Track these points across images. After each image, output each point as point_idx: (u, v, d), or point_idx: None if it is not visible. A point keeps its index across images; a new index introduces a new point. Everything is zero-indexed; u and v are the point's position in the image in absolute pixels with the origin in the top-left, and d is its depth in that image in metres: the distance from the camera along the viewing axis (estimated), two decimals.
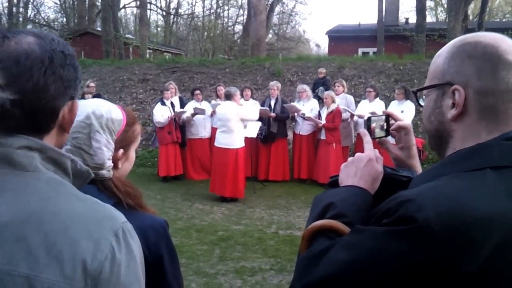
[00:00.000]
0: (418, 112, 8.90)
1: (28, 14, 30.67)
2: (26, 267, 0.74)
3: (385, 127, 1.24)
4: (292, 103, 8.92)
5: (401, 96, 8.18)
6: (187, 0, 51.24)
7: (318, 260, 0.88)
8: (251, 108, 7.83)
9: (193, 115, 8.78)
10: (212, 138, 8.55)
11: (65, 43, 0.90)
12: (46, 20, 32.88)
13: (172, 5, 35.79)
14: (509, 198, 0.81)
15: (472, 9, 28.08)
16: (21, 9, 29.21)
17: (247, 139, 7.74)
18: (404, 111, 7.75)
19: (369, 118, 1.22)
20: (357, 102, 9.27)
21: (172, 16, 35.26)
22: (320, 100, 9.13)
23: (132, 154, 1.44)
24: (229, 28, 36.17)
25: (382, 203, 0.88)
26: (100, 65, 15.74)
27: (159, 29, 39.58)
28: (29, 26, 27.21)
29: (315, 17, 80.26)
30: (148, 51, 22.16)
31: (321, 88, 10.32)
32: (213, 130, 8.64)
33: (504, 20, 31.79)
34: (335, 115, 8.20)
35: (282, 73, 13.23)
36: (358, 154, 1.12)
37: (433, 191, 0.83)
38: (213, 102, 9.30)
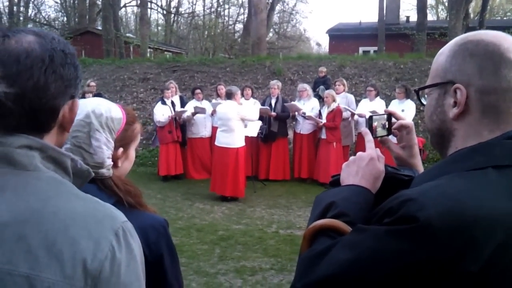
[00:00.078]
0: (418, 111, 8.89)
1: (29, 13, 30.72)
2: (26, 266, 0.74)
3: (387, 126, 1.24)
4: (292, 102, 8.92)
5: (401, 95, 8.17)
6: None
7: (319, 260, 0.87)
8: (251, 108, 7.83)
9: (194, 114, 8.78)
10: (212, 137, 8.55)
11: (66, 42, 0.90)
12: (47, 19, 32.94)
13: (173, 4, 35.84)
14: (511, 197, 0.80)
15: (473, 7, 28.05)
16: (21, 8, 29.24)
17: (247, 138, 7.74)
18: (405, 110, 7.74)
19: (371, 117, 1.21)
20: (357, 101, 9.27)
21: (172, 15, 35.27)
22: (321, 99, 9.13)
23: (132, 153, 1.44)
24: (230, 27, 36.17)
25: (383, 202, 0.87)
26: (100, 64, 15.75)
27: (159, 28, 39.61)
28: (30, 25, 27.18)
29: (315, 15, 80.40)
30: (148, 50, 22.15)
31: (321, 87, 10.32)
32: (214, 129, 8.63)
33: (505, 18, 31.75)
34: (335, 114, 8.20)
35: (282, 72, 13.22)
36: (359, 153, 1.12)
37: (435, 190, 0.82)
38: (213, 101, 9.29)
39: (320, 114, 8.56)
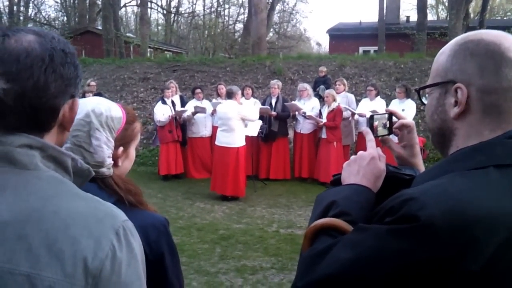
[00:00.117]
0: (419, 110, 8.89)
1: (29, 13, 30.68)
2: (27, 265, 0.74)
3: (388, 125, 1.24)
4: (293, 102, 8.92)
5: (402, 95, 8.17)
6: None
7: (320, 259, 0.87)
8: (251, 108, 7.82)
9: (194, 113, 8.78)
10: (213, 136, 8.55)
11: (66, 41, 0.89)
12: (47, 19, 32.90)
13: (173, 4, 35.83)
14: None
15: (473, 7, 28.03)
16: (21, 8, 29.22)
17: (248, 138, 7.74)
18: (405, 110, 7.74)
19: (372, 116, 1.21)
20: (358, 101, 9.26)
21: (172, 15, 35.26)
22: (321, 99, 9.13)
23: (132, 152, 1.44)
24: (230, 27, 36.16)
25: (385, 202, 0.87)
26: (100, 64, 15.75)
27: (159, 27, 39.60)
28: (30, 25, 27.17)
29: (316, 15, 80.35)
30: (148, 49, 22.14)
31: (322, 86, 10.32)
32: (214, 128, 8.64)
33: (505, 18, 31.74)
34: (336, 113, 8.20)
35: (283, 72, 13.22)
36: (360, 152, 1.12)
37: (436, 189, 0.82)
38: (213, 100, 9.29)
39: (320, 114, 8.56)
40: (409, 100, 8.11)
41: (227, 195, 7.38)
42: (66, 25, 31.42)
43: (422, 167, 1.20)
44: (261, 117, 8.35)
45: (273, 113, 8.65)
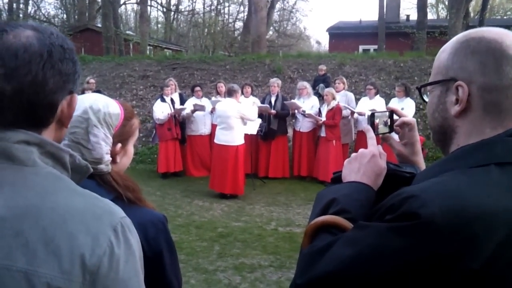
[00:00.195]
0: (418, 109, 8.89)
1: (29, 10, 30.65)
2: (24, 262, 0.73)
3: (388, 123, 1.23)
4: (292, 100, 8.92)
5: (401, 94, 8.18)
6: None
7: (320, 256, 0.87)
8: (250, 108, 7.80)
9: (193, 111, 8.77)
10: (212, 134, 8.54)
11: (64, 37, 0.89)
12: (47, 16, 32.86)
13: (173, 2, 35.82)
14: None
15: (473, 6, 28.05)
16: (21, 5, 29.18)
17: (247, 136, 7.74)
18: (404, 109, 7.74)
19: (372, 114, 1.21)
20: (357, 99, 9.27)
21: (172, 13, 35.25)
22: (321, 97, 9.12)
23: (130, 148, 1.43)
24: (230, 25, 36.14)
25: (385, 199, 0.87)
26: (100, 62, 15.73)
27: (159, 25, 39.60)
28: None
29: (315, 14, 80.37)
30: (148, 47, 22.13)
31: (321, 85, 10.32)
32: (213, 126, 8.63)
33: (505, 17, 31.76)
34: (335, 112, 8.20)
35: (282, 70, 13.22)
36: (361, 150, 1.11)
37: (437, 187, 0.82)
38: (213, 98, 9.28)
39: (319, 112, 8.56)
40: (408, 99, 8.12)
41: (226, 193, 7.38)
42: (65, 23, 31.38)
43: (423, 165, 1.20)
44: (260, 116, 8.35)
45: (273, 111, 8.65)
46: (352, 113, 8.64)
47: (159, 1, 33.17)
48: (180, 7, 35.97)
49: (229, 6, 35.93)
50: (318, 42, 42.00)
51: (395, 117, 1.24)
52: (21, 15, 27.50)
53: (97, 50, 19.83)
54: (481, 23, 18.07)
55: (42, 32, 0.84)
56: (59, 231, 0.76)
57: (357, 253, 0.83)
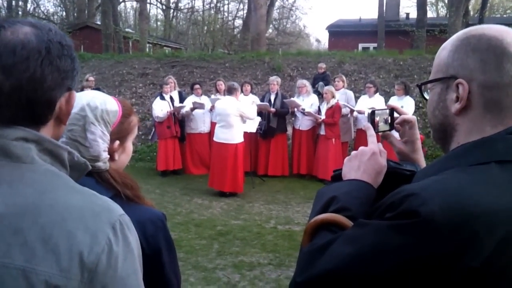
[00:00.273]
0: (417, 108, 8.89)
1: (28, 8, 30.60)
2: (22, 259, 0.73)
3: (389, 121, 1.23)
4: (292, 99, 8.91)
5: (400, 92, 8.18)
6: None
7: (320, 254, 0.87)
8: (249, 106, 7.79)
9: (192, 109, 8.77)
10: (211, 132, 8.54)
11: (62, 33, 0.89)
12: (46, 13, 32.80)
13: None
14: None
15: (473, 4, 28.05)
16: (20, 3, 29.13)
17: (246, 134, 7.74)
18: (404, 107, 7.74)
19: (373, 112, 1.20)
20: (357, 98, 9.27)
21: (172, 10, 35.20)
22: (320, 95, 9.12)
23: (129, 145, 1.43)
24: (229, 23, 36.13)
25: (385, 197, 0.87)
26: (99, 59, 15.72)
27: (159, 23, 39.54)
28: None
29: (315, 12, 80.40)
30: (147, 45, 22.12)
31: (321, 83, 10.32)
32: (213, 124, 8.63)
33: (505, 16, 31.74)
34: (334, 110, 8.20)
35: (282, 68, 13.21)
36: (361, 148, 1.11)
37: (437, 185, 0.82)
38: (212, 96, 9.28)
39: (319, 110, 8.56)
40: (408, 97, 8.13)
41: (225, 191, 7.38)
42: (65, 20, 31.36)
43: (423, 163, 1.19)
44: (260, 114, 8.35)
45: (272, 109, 8.65)
46: (352, 111, 8.64)
47: None
48: (180, 4, 35.96)
49: (228, 4, 35.97)
50: (317, 40, 41.97)
51: (395, 114, 1.24)
52: (20, 13, 27.47)
53: (96, 47, 19.80)
54: (480, 22, 18.05)
55: (40, 28, 0.84)
56: (58, 229, 0.76)
57: (357, 251, 0.82)
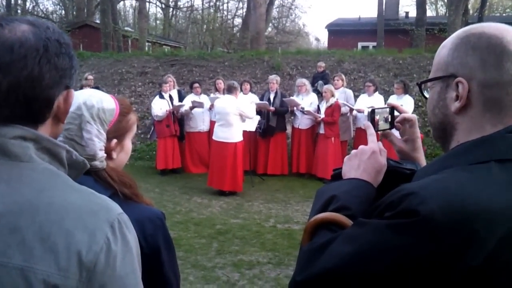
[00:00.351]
0: (416, 106, 8.89)
1: (27, 6, 30.57)
2: (21, 258, 0.73)
3: (389, 119, 1.22)
4: (291, 98, 8.90)
5: (400, 91, 8.18)
6: None
7: (320, 253, 0.87)
8: (248, 106, 7.78)
9: (192, 108, 8.76)
10: (210, 131, 8.53)
11: (60, 31, 0.88)
12: (45, 12, 32.75)
13: None
14: None
15: (473, 3, 28.04)
16: (19, 1, 29.09)
17: (245, 133, 7.73)
18: (403, 106, 7.52)
19: (373, 110, 1.20)
20: (356, 97, 9.27)
21: (171, 9, 35.15)
22: (319, 94, 9.12)
23: (127, 144, 1.42)
24: (229, 21, 36.10)
25: (385, 196, 0.87)
26: (98, 58, 15.70)
27: (158, 22, 39.55)
28: None
29: (314, 10, 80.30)
30: (147, 44, 22.09)
31: (320, 82, 10.31)
32: (212, 123, 8.62)
33: (504, 14, 31.74)
34: (334, 109, 8.19)
35: (281, 67, 13.20)
36: (361, 147, 1.11)
37: (437, 184, 0.82)
38: (211, 95, 9.27)
39: (318, 109, 8.56)
40: (407, 96, 8.13)
41: (224, 190, 7.38)
42: (64, 19, 31.33)
43: (423, 162, 1.19)
44: (259, 112, 8.34)
45: (271, 108, 8.64)
46: (351, 110, 8.64)
47: None
48: (179, 3, 35.90)
49: (228, 3, 35.99)
50: (317, 39, 41.92)
51: (395, 113, 1.23)
52: (19, 11, 27.42)
53: (95, 46, 19.77)
54: (480, 20, 18.03)
55: (38, 26, 0.84)
56: (56, 228, 0.75)
57: (356, 250, 0.82)
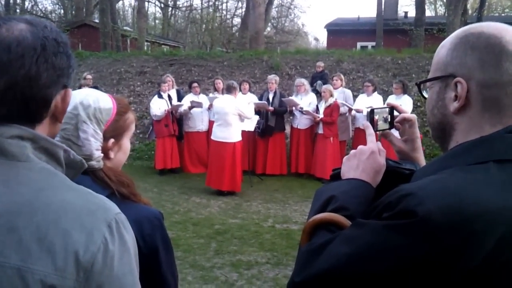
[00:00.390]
0: (415, 107, 8.89)
1: (26, 6, 30.53)
2: (18, 258, 0.72)
3: (388, 119, 1.21)
4: (290, 97, 8.90)
5: (399, 91, 8.18)
6: None
7: (318, 254, 0.87)
8: (246, 106, 7.77)
9: (190, 108, 8.75)
10: (209, 131, 8.53)
11: (58, 30, 0.88)
12: (44, 11, 32.71)
13: None
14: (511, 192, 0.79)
15: (472, 3, 28.06)
16: (18, 1, 29.04)
17: (244, 133, 7.72)
18: (402, 106, 7.62)
19: (372, 110, 1.19)
20: (355, 96, 9.26)
21: (170, 9, 35.12)
22: (318, 94, 9.12)
23: (125, 143, 1.41)
24: (228, 21, 36.10)
25: (383, 197, 0.86)
26: (97, 57, 15.67)
27: (157, 21, 39.53)
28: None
29: (314, 10, 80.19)
30: (146, 43, 22.07)
31: (319, 82, 10.31)
32: (211, 123, 8.62)
33: (503, 14, 31.78)
34: (333, 109, 8.19)
35: (280, 67, 13.20)
36: (360, 147, 1.10)
37: (435, 184, 0.81)
38: (210, 95, 9.26)
39: (317, 109, 8.56)
40: (406, 96, 8.13)
41: (223, 190, 7.37)
42: (62, 18, 31.31)
43: (423, 162, 1.19)
44: (258, 112, 8.34)
45: (270, 108, 8.64)
46: (350, 110, 8.64)
47: None
48: (178, 3, 35.86)
49: (227, 2, 35.94)
50: (316, 39, 41.89)
51: (395, 113, 1.23)
52: (18, 11, 27.38)
53: (94, 46, 19.75)
54: (479, 20, 18.02)
55: (35, 25, 0.83)
56: (53, 228, 0.75)
57: (354, 251, 0.82)
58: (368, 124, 1.16)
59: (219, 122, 7.25)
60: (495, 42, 0.87)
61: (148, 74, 13.86)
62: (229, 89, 7.24)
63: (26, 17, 0.86)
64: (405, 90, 8.19)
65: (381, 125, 1.20)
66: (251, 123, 7.97)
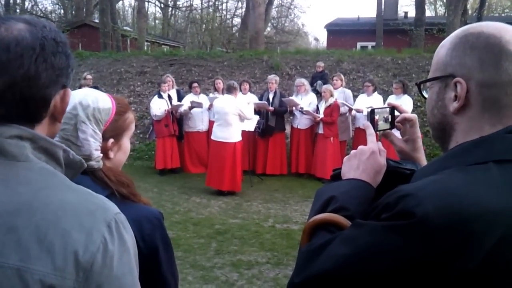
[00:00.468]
0: (415, 106, 8.88)
1: (26, 6, 30.53)
2: (17, 258, 0.72)
3: (389, 119, 1.21)
4: (290, 97, 8.90)
5: (399, 91, 8.18)
6: None
7: (318, 254, 0.87)
8: (245, 106, 7.77)
9: (191, 108, 8.75)
10: (209, 131, 8.52)
11: (57, 30, 0.88)
12: (44, 11, 32.71)
13: None
14: (511, 193, 0.79)
15: (472, 3, 28.06)
16: (18, 1, 29.03)
17: (244, 133, 7.72)
18: (402, 106, 7.70)
19: (372, 110, 1.19)
20: (355, 96, 9.26)
21: (170, 9, 35.12)
22: (318, 94, 9.12)
23: (125, 143, 1.41)
24: (228, 21, 36.11)
25: (382, 197, 0.86)
26: (97, 57, 15.67)
27: (157, 21, 39.53)
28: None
29: (314, 10, 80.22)
30: (146, 43, 22.06)
31: (319, 82, 10.31)
32: (211, 123, 8.61)
33: (503, 15, 31.77)
34: (333, 109, 8.19)
35: (280, 67, 13.20)
36: (361, 147, 1.10)
37: (434, 185, 0.81)
38: (210, 95, 9.27)
39: (317, 109, 8.55)
40: (406, 96, 8.13)
41: (223, 190, 7.37)
42: (62, 18, 31.31)
43: (424, 162, 1.18)
44: (258, 112, 8.33)
45: (270, 108, 8.64)
46: (350, 110, 8.64)
47: None
48: (178, 3, 35.86)
49: (227, 2, 35.94)
50: (316, 39, 41.91)
51: (396, 113, 1.23)
52: (18, 11, 27.38)
53: (94, 46, 19.75)
54: (479, 20, 17.96)
55: (34, 25, 0.83)
56: (52, 228, 0.75)
57: (353, 251, 0.82)
58: (369, 124, 1.15)
59: (219, 122, 7.25)
60: (495, 42, 0.87)
61: (148, 74, 13.86)
62: (229, 89, 7.24)
63: (25, 17, 0.86)
64: (405, 90, 8.19)
65: (382, 125, 1.19)
66: (251, 123, 7.97)
